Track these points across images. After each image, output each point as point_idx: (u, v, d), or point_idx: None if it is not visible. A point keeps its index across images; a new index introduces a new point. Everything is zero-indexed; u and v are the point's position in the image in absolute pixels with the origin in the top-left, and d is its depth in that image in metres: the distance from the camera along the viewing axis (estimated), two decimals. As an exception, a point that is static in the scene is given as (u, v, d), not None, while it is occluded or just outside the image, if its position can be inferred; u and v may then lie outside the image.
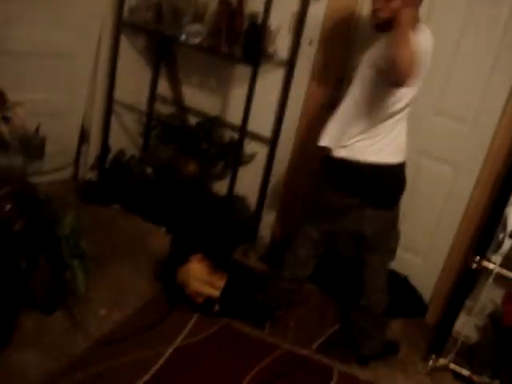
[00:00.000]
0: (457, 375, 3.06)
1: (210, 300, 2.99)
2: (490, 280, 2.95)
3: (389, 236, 2.84)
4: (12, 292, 2.36)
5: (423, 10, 2.58)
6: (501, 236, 2.90)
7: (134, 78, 4.01)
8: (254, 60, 3.24)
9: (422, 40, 2.40)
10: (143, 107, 4.07)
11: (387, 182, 2.68)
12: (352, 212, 2.73)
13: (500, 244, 2.90)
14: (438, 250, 3.39)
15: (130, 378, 2.48)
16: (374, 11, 2.49)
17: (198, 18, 3.53)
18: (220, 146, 3.78)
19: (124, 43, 3.78)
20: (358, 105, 2.59)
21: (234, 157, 3.59)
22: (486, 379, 2.96)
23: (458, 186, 3.28)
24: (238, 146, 3.52)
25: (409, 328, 3.37)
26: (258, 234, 3.86)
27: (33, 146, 2.80)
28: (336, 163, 2.67)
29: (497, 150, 3.11)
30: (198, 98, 3.96)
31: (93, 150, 4.01)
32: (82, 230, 2.71)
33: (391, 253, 2.91)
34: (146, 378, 2.51)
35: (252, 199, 3.85)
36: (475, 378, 2.99)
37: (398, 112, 2.56)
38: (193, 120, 3.98)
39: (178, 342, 2.78)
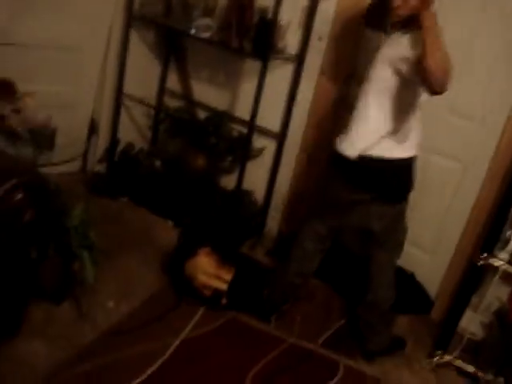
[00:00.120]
0: (462, 372, 3.07)
1: (217, 293, 3.01)
2: (497, 277, 2.96)
3: (396, 231, 2.84)
4: (22, 282, 2.37)
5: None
6: (508, 233, 2.92)
7: (144, 71, 4.02)
8: (264, 55, 3.24)
9: None
10: (152, 101, 4.08)
11: (400, 176, 2.69)
12: (359, 207, 2.74)
13: (507, 241, 2.91)
14: (445, 246, 3.39)
15: (137, 369, 2.50)
16: (394, 9, 2.44)
17: (208, 12, 3.53)
18: (228, 141, 3.78)
19: (134, 36, 3.79)
20: (377, 104, 2.58)
21: (243, 151, 3.60)
22: (490, 376, 2.97)
23: (466, 182, 3.29)
24: (246, 140, 3.53)
25: (414, 324, 3.37)
26: (265, 229, 3.87)
27: (43, 136, 2.83)
28: (350, 160, 2.66)
29: (505, 148, 3.12)
30: (207, 92, 3.97)
31: (102, 142, 4.03)
32: (91, 222, 2.73)
33: (398, 248, 2.92)
34: (153, 369, 2.53)
35: (259, 194, 3.86)
36: (480, 374, 3.00)
37: (416, 110, 2.57)
38: (201, 114, 3.99)
39: (184, 334, 2.80)
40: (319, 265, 3.05)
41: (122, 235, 3.43)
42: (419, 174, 2.78)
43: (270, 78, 3.32)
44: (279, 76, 3.58)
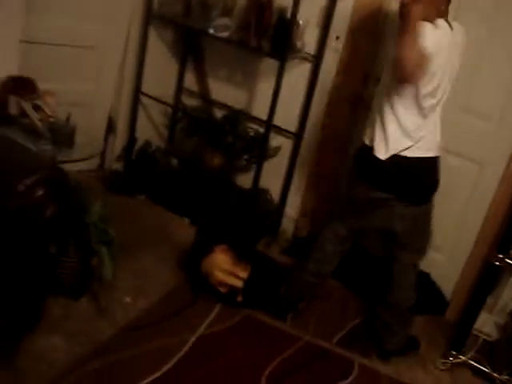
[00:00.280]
0: (476, 372, 3.06)
1: (233, 290, 3.03)
2: (513, 278, 2.95)
3: (420, 233, 2.83)
4: (41, 277, 2.40)
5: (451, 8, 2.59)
6: (524, 234, 2.91)
7: (161, 70, 4.04)
8: (282, 54, 3.26)
9: (433, 37, 2.39)
10: (170, 99, 4.10)
11: (424, 176, 2.70)
12: (382, 208, 2.73)
13: (523, 242, 2.90)
14: (461, 247, 3.39)
15: (155, 364, 2.53)
16: None
17: (227, 11, 3.56)
18: (245, 140, 3.80)
19: (152, 36, 3.81)
20: (400, 104, 2.58)
21: (259, 150, 3.62)
22: (505, 377, 2.96)
23: (482, 183, 3.28)
24: (263, 139, 3.55)
25: (429, 324, 3.37)
26: (280, 228, 3.88)
27: (63, 134, 2.86)
28: (376, 160, 2.65)
29: (522, 149, 3.11)
30: (224, 91, 3.98)
31: (119, 140, 4.06)
32: (109, 218, 2.76)
33: (422, 250, 2.91)
34: (170, 365, 2.56)
35: (275, 193, 3.87)
36: (495, 375, 2.99)
37: (432, 107, 2.57)
38: (218, 113, 4.01)
39: (201, 330, 2.83)
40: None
41: (139, 232, 3.46)
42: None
43: (287, 77, 3.34)
44: (296, 75, 3.59)
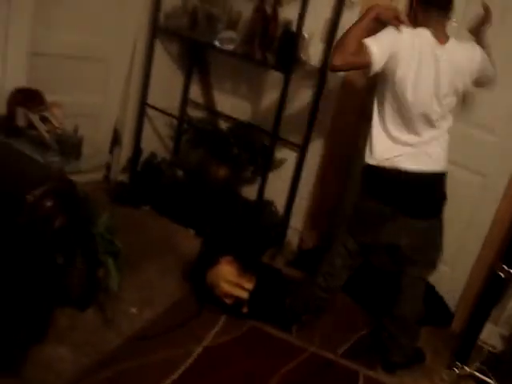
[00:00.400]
0: (482, 384, 3.07)
1: (238, 302, 3.03)
2: (518, 290, 2.96)
3: (428, 248, 2.82)
4: (49, 288, 2.41)
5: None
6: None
7: (167, 82, 4.08)
8: (287, 67, 3.29)
9: (391, 37, 2.52)
10: (175, 111, 4.13)
11: (431, 190, 2.71)
12: (389, 223, 2.73)
13: (528, 253, 2.91)
14: (466, 258, 3.39)
15: (160, 375, 2.53)
16: None
17: (232, 24, 3.60)
18: (250, 151, 3.82)
19: (158, 48, 3.86)
20: (377, 108, 2.69)
21: (264, 162, 3.64)
22: (511, 389, 2.96)
23: (486, 195, 3.29)
24: (268, 151, 3.57)
25: (434, 336, 3.36)
26: (285, 239, 3.89)
27: (70, 146, 2.89)
28: (378, 173, 2.69)
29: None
30: (230, 104, 4.02)
31: (125, 152, 4.09)
32: (115, 230, 2.78)
33: (430, 266, 2.90)
34: (176, 376, 2.55)
35: (280, 204, 3.88)
36: (501, 387, 3.00)
37: (420, 120, 2.60)
38: (224, 125, 4.04)
39: (206, 341, 2.83)
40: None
41: (144, 243, 3.47)
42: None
43: (292, 90, 3.37)
44: (301, 87, 3.62)
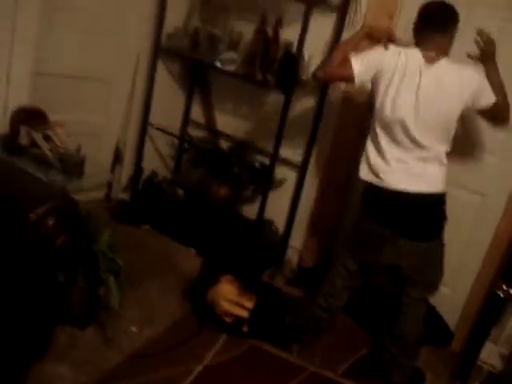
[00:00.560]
0: (482, 404, 3.06)
1: (239, 320, 3.04)
2: (518, 309, 2.96)
3: (428, 269, 2.81)
4: (50, 306, 2.41)
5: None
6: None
7: (169, 102, 4.12)
8: (288, 88, 3.33)
9: (376, 55, 2.67)
10: (176, 131, 4.17)
11: (431, 212, 2.72)
12: (389, 244, 2.74)
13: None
14: (465, 278, 3.39)
15: (160, 394, 2.53)
16: None
17: (233, 45, 3.65)
18: (251, 171, 3.85)
19: (160, 68, 3.90)
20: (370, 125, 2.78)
21: (265, 182, 3.66)
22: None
23: (485, 214, 3.31)
24: (268, 171, 3.60)
25: (434, 356, 3.35)
26: (285, 258, 3.90)
27: (73, 164, 2.91)
28: (383, 194, 2.70)
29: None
30: (230, 123, 4.06)
31: (126, 171, 4.12)
32: (117, 248, 2.79)
33: (431, 287, 2.91)
34: (176, 395, 2.56)
35: (280, 223, 3.90)
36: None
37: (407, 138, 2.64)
38: (224, 144, 4.07)
39: (207, 360, 2.82)
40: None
41: (145, 262, 3.47)
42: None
43: (292, 110, 3.41)
44: (302, 108, 3.66)
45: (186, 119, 4.22)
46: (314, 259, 3.84)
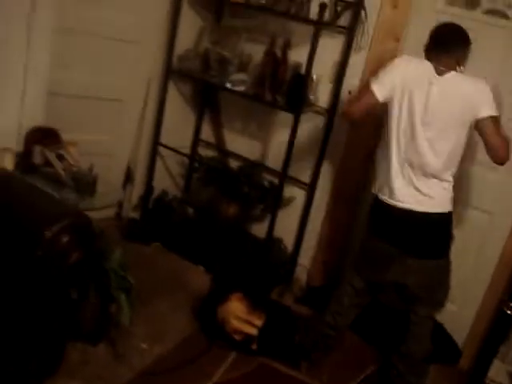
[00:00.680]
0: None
1: (248, 338, 3.06)
2: (525, 327, 2.96)
3: (435, 288, 2.84)
4: (62, 322, 2.45)
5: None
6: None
7: (179, 122, 4.18)
8: (297, 108, 3.38)
9: (393, 69, 2.71)
10: (186, 150, 4.23)
11: (437, 231, 2.75)
12: (395, 262, 2.77)
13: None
14: (473, 296, 3.40)
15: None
16: None
17: (243, 67, 3.71)
18: (260, 190, 3.89)
19: (171, 89, 3.96)
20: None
21: (274, 200, 3.70)
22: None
23: (492, 232, 3.33)
24: (277, 190, 3.64)
25: (442, 374, 3.34)
26: (294, 276, 3.93)
27: (85, 183, 2.97)
28: (389, 212, 2.75)
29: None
30: (240, 143, 4.11)
31: (137, 190, 4.16)
32: (128, 266, 2.83)
33: (437, 306, 2.93)
34: (186, 411, 2.58)
35: (289, 242, 3.93)
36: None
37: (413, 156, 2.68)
38: (234, 164, 4.12)
39: (216, 377, 2.85)
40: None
41: (155, 280, 3.51)
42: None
43: (301, 130, 3.45)
44: (310, 128, 3.70)
45: (196, 139, 4.27)
46: (323, 278, 3.86)
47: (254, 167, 3.98)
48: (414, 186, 2.68)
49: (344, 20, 3.46)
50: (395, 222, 2.74)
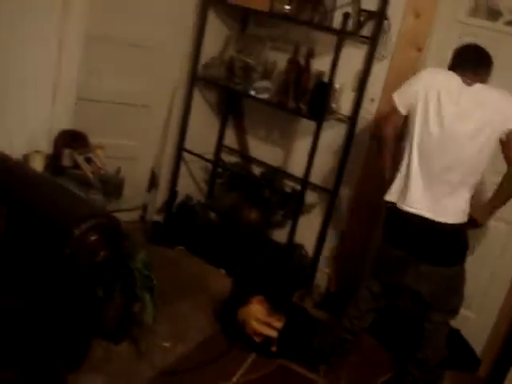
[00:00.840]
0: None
1: (268, 340, 3.11)
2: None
3: (450, 294, 2.86)
4: (88, 318, 2.52)
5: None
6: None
7: (204, 128, 4.25)
8: (319, 116, 3.44)
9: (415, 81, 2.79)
10: (210, 156, 4.30)
11: (451, 240, 2.77)
12: (412, 269, 2.79)
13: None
14: (492, 304, 3.41)
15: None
16: None
17: (267, 74, 3.78)
18: (281, 196, 3.94)
19: (196, 96, 4.04)
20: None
21: (295, 207, 3.75)
22: None
23: (511, 241, 3.34)
24: (299, 196, 3.69)
25: (460, 381, 3.36)
26: (314, 282, 3.97)
27: (112, 185, 3.05)
28: (404, 221, 2.78)
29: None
30: (263, 149, 4.17)
31: (161, 194, 4.24)
32: (152, 266, 2.90)
33: (452, 313, 2.95)
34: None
35: (310, 247, 3.97)
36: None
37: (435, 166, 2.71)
38: (256, 170, 4.18)
39: (236, 378, 2.90)
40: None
41: (177, 282, 3.58)
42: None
43: (323, 137, 3.50)
44: (332, 135, 3.75)
45: (220, 145, 4.35)
46: (343, 283, 3.90)
47: (276, 173, 4.04)
48: (432, 195, 2.71)
49: (367, 29, 3.52)
50: (410, 229, 2.77)
